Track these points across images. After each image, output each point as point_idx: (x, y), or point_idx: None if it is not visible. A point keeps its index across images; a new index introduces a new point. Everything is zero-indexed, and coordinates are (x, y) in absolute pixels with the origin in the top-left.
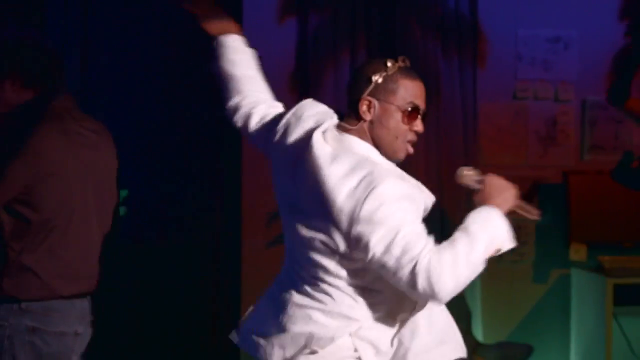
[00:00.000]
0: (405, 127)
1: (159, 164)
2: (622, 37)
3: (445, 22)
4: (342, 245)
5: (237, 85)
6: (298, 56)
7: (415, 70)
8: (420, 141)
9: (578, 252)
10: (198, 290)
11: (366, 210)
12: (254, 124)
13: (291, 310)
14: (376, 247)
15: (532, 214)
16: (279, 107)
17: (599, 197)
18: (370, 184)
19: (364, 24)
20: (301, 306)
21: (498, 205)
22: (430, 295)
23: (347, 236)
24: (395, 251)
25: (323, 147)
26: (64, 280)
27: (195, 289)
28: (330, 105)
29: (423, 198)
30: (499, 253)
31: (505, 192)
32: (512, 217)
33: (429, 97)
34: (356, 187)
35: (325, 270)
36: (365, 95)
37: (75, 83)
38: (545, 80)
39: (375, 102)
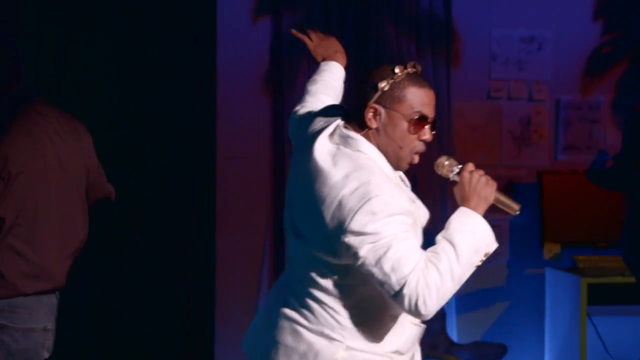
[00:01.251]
0: (412, 136)
1: (135, 164)
2: (597, 36)
3: (419, 22)
4: (331, 254)
5: (304, 96)
6: (272, 56)
7: None
8: None
9: (552, 252)
10: (172, 289)
11: (357, 221)
12: (292, 127)
13: (280, 322)
14: (366, 259)
15: (513, 208)
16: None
17: (573, 197)
18: (365, 196)
19: (337, 23)
20: (289, 319)
21: (477, 205)
22: (416, 315)
23: (337, 245)
24: (386, 267)
25: (323, 150)
26: (30, 278)
27: (169, 288)
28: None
29: (418, 214)
30: (486, 258)
31: (485, 189)
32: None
33: None
34: (350, 196)
35: (315, 283)
36: (371, 102)
37: (50, 83)
38: (519, 80)
39: (382, 110)
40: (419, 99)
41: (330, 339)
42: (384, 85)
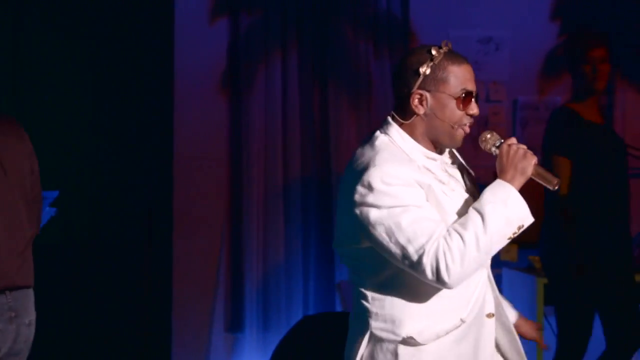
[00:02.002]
0: (461, 113)
1: (91, 165)
2: (554, 37)
3: (377, 23)
4: (352, 236)
5: None
6: (229, 57)
7: (347, 70)
8: (352, 140)
9: (509, 252)
10: (129, 291)
11: (358, 193)
12: None
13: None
14: (375, 233)
15: (551, 182)
16: None
17: (529, 197)
18: (364, 169)
19: (295, 24)
20: (352, 325)
21: (514, 177)
22: (441, 283)
23: (353, 225)
24: (401, 240)
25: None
26: None
27: (126, 290)
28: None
29: (450, 195)
30: (522, 230)
31: (522, 162)
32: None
33: (361, 98)
34: (354, 172)
35: (352, 269)
36: (415, 89)
37: (4, 83)
38: (477, 81)
39: (427, 94)
40: (461, 75)
41: (364, 322)
42: (425, 69)
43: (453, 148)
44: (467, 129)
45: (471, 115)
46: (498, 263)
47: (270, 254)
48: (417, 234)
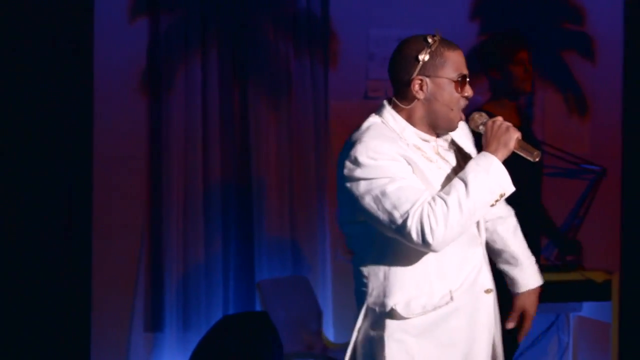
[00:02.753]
0: (458, 95)
1: (9, 164)
2: (474, 36)
3: (297, 23)
4: (348, 213)
5: None
6: (149, 56)
7: (267, 70)
8: (272, 140)
9: None
10: (47, 291)
11: (347, 167)
12: None
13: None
14: (366, 204)
15: (532, 154)
16: None
17: None
18: (351, 146)
19: (215, 24)
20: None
21: (497, 149)
22: (425, 246)
23: (346, 199)
24: (387, 205)
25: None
26: None
27: (44, 290)
28: None
29: (419, 158)
30: (504, 198)
31: (505, 135)
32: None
33: (280, 97)
34: (343, 150)
35: (352, 248)
36: (415, 75)
37: None
38: None
39: (427, 80)
40: (456, 60)
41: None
42: (423, 56)
43: (449, 131)
44: (463, 115)
45: (466, 97)
46: None
47: (190, 254)
48: (402, 200)
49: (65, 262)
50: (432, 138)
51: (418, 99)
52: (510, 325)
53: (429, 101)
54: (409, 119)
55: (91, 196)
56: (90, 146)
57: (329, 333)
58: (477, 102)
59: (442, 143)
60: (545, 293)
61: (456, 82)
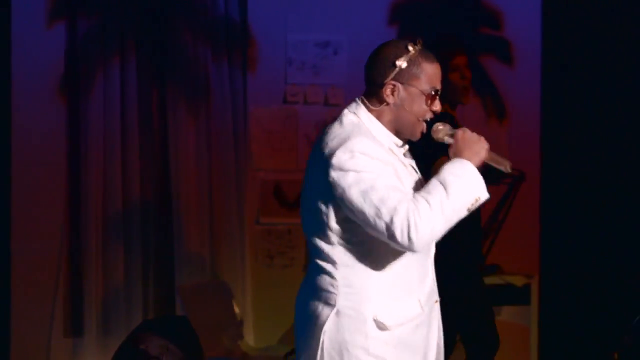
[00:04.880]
0: (426, 108)
1: None
2: None
3: (215, 27)
4: (325, 202)
5: None
6: (67, 60)
7: (185, 75)
8: (191, 145)
9: None
10: None
11: (338, 158)
12: None
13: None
14: (353, 195)
15: (504, 165)
16: None
17: None
18: (345, 139)
19: (133, 29)
20: (300, 296)
21: (470, 159)
22: (408, 246)
23: (326, 188)
24: (374, 199)
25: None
26: None
27: None
28: None
29: (408, 178)
30: (478, 203)
31: (477, 144)
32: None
33: (199, 102)
34: (332, 142)
35: (319, 253)
36: (389, 79)
37: None
38: (315, 85)
39: (400, 86)
40: (433, 74)
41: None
42: (401, 63)
43: (412, 139)
44: (425, 127)
45: (434, 112)
46: None
47: (110, 258)
48: (389, 196)
49: None
50: (400, 142)
51: (387, 104)
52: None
53: (397, 107)
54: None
55: (10, 200)
56: (9, 150)
57: (249, 338)
58: None
59: (404, 150)
60: None
61: (427, 95)
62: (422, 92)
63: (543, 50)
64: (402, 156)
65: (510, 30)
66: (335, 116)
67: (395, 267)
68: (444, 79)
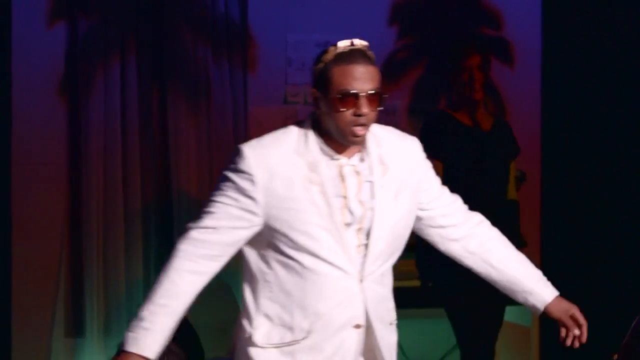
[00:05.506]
0: (346, 113)
1: None
2: (392, 42)
3: (215, 27)
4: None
5: None
6: (68, 60)
7: (186, 75)
8: (191, 146)
9: None
10: None
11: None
12: None
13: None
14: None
15: None
16: None
17: None
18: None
19: (134, 28)
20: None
21: None
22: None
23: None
24: (206, 205)
25: None
26: None
27: None
28: None
29: (299, 175)
30: None
31: None
32: None
33: (199, 102)
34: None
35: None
36: (312, 86)
37: None
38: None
39: (318, 93)
40: (342, 77)
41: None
42: (316, 67)
43: (351, 145)
44: (360, 132)
45: (359, 115)
46: None
47: (111, 258)
48: (205, 211)
49: None
50: (335, 154)
51: (318, 109)
52: (569, 342)
53: (324, 114)
54: (318, 129)
55: (10, 201)
56: (9, 151)
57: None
58: (396, 106)
59: (354, 161)
60: None
61: (336, 100)
62: (333, 98)
63: (543, 50)
64: (331, 170)
65: (510, 31)
66: None
67: (289, 289)
68: (457, 80)
